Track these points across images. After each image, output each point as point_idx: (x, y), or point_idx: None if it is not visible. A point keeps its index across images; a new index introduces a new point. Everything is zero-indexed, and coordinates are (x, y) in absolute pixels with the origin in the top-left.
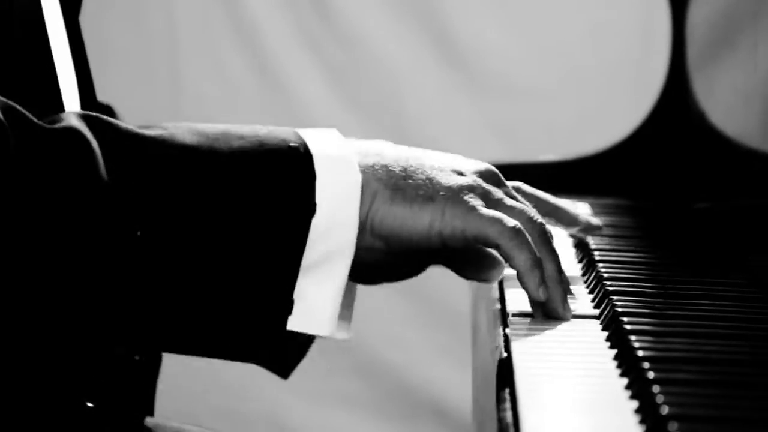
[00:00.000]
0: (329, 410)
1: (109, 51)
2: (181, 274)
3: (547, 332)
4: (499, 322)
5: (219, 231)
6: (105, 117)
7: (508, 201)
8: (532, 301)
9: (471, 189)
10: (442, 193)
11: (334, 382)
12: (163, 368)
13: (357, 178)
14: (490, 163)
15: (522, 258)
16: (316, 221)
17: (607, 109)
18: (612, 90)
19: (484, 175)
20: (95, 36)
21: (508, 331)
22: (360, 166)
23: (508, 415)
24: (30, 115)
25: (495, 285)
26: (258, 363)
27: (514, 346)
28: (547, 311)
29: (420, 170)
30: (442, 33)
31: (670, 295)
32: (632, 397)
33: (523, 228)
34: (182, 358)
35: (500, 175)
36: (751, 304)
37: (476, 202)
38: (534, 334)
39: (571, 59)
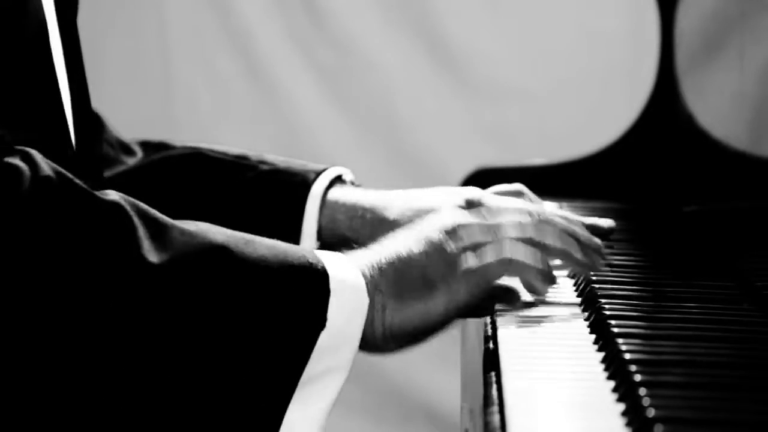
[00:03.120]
0: None
1: (100, 55)
2: (197, 363)
3: (535, 336)
4: (488, 326)
5: (237, 328)
6: (142, 204)
7: (492, 220)
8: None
9: (459, 254)
10: (439, 275)
11: None
12: None
13: (365, 302)
14: (480, 167)
15: (527, 279)
16: (323, 336)
17: (597, 113)
18: (602, 94)
19: (466, 205)
20: (87, 40)
21: (496, 335)
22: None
23: (496, 419)
24: (78, 181)
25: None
26: None
27: (503, 349)
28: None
29: (408, 263)
30: (434, 37)
31: (658, 298)
32: (619, 399)
33: (513, 257)
34: None
35: (478, 194)
36: (738, 306)
37: (468, 263)
38: (522, 338)
39: (561, 63)
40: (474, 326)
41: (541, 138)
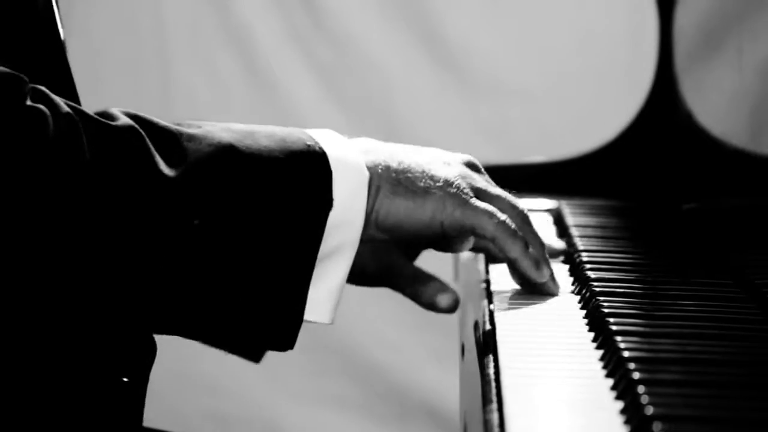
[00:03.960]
0: (320, 412)
1: (99, 53)
2: (221, 262)
3: (534, 333)
4: (486, 323)
5: (253, 221)
6: (146, 115)
7: (491, 189)
8: (525, 281)
9: (462, 179)
10: (439, 184)
11: (324, 384)
12: (154, 371)
13: (364, 176)
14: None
15: (516, 248)
16: (331, 216)
17: (596, 110)
18: (601, 91)
19: (467, 165)
20: (85, 38)
21: (495, 332)
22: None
23: (495, 417)
24: (92, 113)
25: (482, 288)
26: (273, 347)
27: (501, 347)
28: (539, 289)
29: (415, 163)
30: (432, 34)
31: (657, 296)
32: (618, 397)
33: (509, 219)
34: (171, 364)
35: (479, 163)
36: (737, 304)
37: (469, 193)
38: (520, 335)
39: (560, 60)
40: (473, 322)
41: (540, 135)
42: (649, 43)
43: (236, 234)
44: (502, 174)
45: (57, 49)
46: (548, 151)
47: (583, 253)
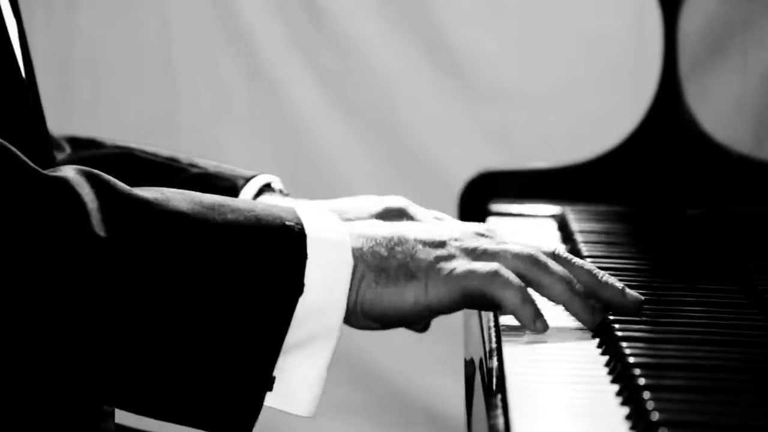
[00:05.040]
0: (323, 417)
1: (102, 57)
2: (160, 337)
3: (539, 339)
4: (491, 329)
5: (203, 300)
6: (104, 175)
7: (491, 247)
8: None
9: (449, 258)
10: (422, 267)
11: (327, 389)
12: None
13: (349, 263)
14: (483, 170)
15: (507, 297)
16: (303, 301)
17: (600, 117)
18: (605, 97)
19: (466, 235)
20: (89, 43)
21: (500, 338)
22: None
23: (500, 422)
24: (26, 159)
25: None
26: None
27: (506, 352)
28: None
29: (403, 246)
30: (436, 40)
31: (661, 302)
32: (623, 403)
33: (501, 269)
34: None
35: (486, 231)
36: (742, 310)
37: (453, 265)
38: (526, 341)
39: (564, 67)
40: (477, 329)
41: (544, 141)
42: (653, 50)
43: (175, 308)
44: (506, 180)
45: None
46: (552, 157)
47: (588, 259)
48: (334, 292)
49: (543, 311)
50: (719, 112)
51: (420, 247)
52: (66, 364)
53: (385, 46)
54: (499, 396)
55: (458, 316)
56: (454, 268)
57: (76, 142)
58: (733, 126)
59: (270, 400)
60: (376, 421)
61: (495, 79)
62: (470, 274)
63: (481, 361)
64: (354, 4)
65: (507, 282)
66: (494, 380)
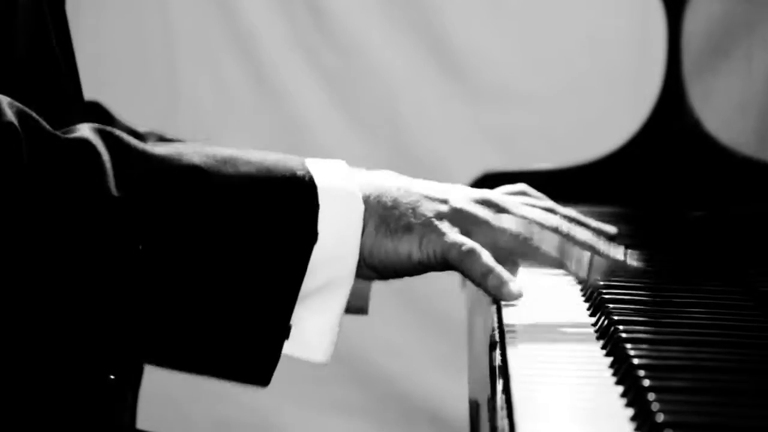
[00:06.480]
0: (325, 417)
1: (105, 57)
2: (178, 291)
3: (543, 340)
4: (495, 328)
5: (219, 252)
6: (118, 132)
7: (488, 218)
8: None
9: (448, 216)
10: (420, 221)
11: (329, 389)
12: (152, 375)
13: (360, 211)
14: (487, 171)
15: (474, 271)
16: (317, 250)
17: (604, 118)
18: (608, 98)
19: (474, 201)
20: (92, 44)
21: (504, 338)
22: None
23: (504, 423)
24: (44, 123)
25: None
26: (246, 382)
27: (510, 353)
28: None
29: (407, 199)
30: (439, 41)
31: (666, 304)
32: (628, 405)
33: (477, 247)
34: None
35: (495, 200)
36: (746, 312)
37: (449, 228)
38: (530, 342)
39: (567, 68)
40: (481, 329)
41: (547, 142)
42: (657, 51)
43: (192, 261)
44: (509, 181)
45: (66, 43)
46: (556, 158)
47: None
48: (347, 240)
49: (542, 313)
50: (723, 113)
51: (423, 201)
52: (86, 321)
53: (387, 46)
54: (503, 397)
55: (460, 315)
56: (445, 234)
57: (162, 140)
58: (736, 127)
59: (287, 347)
60: (376, 421)
61: (498, 80)
62: (452, 246)
63: (484, 362)
64: (357, 4)
65: (476, 260)
66: (498, 381)
